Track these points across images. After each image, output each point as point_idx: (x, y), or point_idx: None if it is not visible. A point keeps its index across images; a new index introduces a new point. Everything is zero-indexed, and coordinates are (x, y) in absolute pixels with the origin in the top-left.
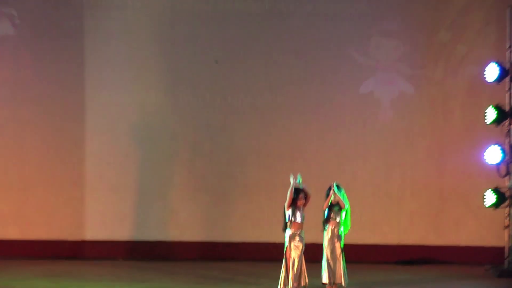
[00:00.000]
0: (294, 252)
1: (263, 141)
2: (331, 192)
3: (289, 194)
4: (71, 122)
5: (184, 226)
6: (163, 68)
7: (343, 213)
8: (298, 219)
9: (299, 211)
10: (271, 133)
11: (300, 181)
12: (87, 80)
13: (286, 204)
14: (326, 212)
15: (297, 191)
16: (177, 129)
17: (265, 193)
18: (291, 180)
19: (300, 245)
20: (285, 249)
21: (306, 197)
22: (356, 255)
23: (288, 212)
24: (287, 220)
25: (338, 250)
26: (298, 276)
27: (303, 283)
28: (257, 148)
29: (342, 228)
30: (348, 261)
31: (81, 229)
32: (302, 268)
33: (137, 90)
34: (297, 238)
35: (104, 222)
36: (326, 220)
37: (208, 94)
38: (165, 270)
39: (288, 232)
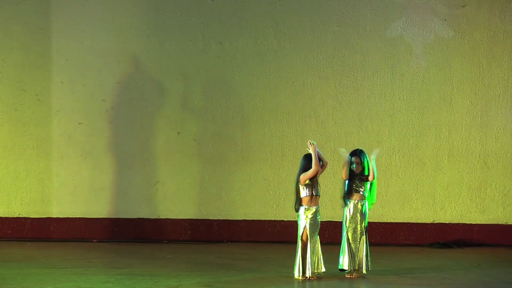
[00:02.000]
0: (312, 233)
1: (268, 96)
2: (355, 159)
3: (314, 167)
4: (34, 73)
5: (172, 201)
6: (145, 7)
7: (368, 184)
8: (318, 192)
9: (317, 182)
10: (278, 86)
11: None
12: (53, 21)
13: (304, 178)
14: (346, 183)
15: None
16: (163, 82)
17: (271, 160)
18: (311, 148)
19: (318, 224)
20: (301, 230)
21: (323, 165)
22: (382, 235)
23: (304, 186)
24: (304, 196)
25: (361, 230)
26: (316, 261)
27: (318, 270)
28: (261, 105)
29: (366, 203)
30: (371, 243)
31: (46, 204)
32: (319, 252)
33: (115, 34)
34: (315, 215)
35: (74, 196)
36: (348, 194)
37: (201, 39)
38: (149, 254)
39: (305, 209)
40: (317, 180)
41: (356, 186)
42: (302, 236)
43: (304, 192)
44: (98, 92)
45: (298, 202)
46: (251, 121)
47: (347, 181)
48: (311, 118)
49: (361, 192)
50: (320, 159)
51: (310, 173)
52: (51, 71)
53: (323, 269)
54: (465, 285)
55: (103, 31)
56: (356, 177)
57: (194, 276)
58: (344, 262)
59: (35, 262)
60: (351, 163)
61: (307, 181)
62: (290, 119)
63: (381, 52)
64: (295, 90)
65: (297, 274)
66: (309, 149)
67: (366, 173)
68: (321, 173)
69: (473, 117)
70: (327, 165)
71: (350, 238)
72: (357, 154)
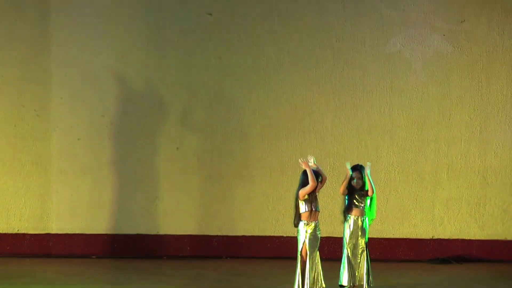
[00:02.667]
0: (312, 248)
1: (267, 111)
2: (356, 174)
3: (311, 183)
4: (33, 88)
5: (171, 216)
6: (145, 21)
7: (368, 199)
8: (317, 207)
9: (316, 198)
10: (277, 102)
11: (314, 161)
12: (53, 36)
13: (302, 193)
14: (346, 198)
15: (316, 175)
16: (162, 97)
17: (270, 175)
18: (303, 165)
19: (318, 239)
20: (301, 246)
21: (322, 180)
22: (381, 251)
23: (303, 201)
24: (303, 211)
25: (362, 246)
26: (316, 277)
27: (317, 286)
28: (260, 120)
29: (366, 219)
30: (370, 259)
31: (45, 220)
32: (319, 267)
33: (113, 48)
34: (315, 231)
35: (73, 212)
36: (348, 209)
37: (200, 54)
38: (148, 270)
39: (304, 224)
40: (316, 195)
41: (356, 201)
42: (301, 252)
43: (303, 208)
44: (98, 108)
45: (298, 217)
46: (250, 136)
47: (347, 197)
48: (310, 133)
49: (361, 208)
50: (319, 174)
51: (308, 188)
52: (50, 87)
53: (323, 285)
54: None
55: (102, 46)
56: (356, 192)
57: None
58: (343, 278)
59: (34, 278)
60: (351, 178)
61: (305, 196)
62: (290, 135)
63: (380, 67)
64: (294, 106)
65: None
66: (301, 165)
67: (366, 188)
68: (320, 188)
69: (472, 132)
70: (326, 180)
71: (350, 254)
72: (358, 169)
